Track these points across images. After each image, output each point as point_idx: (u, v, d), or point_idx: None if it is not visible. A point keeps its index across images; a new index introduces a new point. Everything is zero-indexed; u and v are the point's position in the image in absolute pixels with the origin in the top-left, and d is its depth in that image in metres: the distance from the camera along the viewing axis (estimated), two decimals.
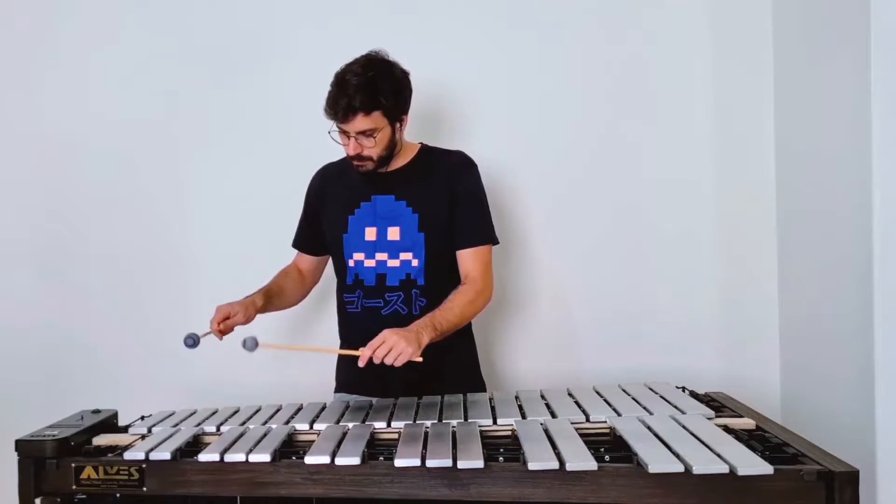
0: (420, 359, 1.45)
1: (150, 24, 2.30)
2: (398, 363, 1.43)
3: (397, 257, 1.72)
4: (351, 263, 1.75)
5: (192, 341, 1.56)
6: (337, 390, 1.83)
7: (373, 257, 1.73)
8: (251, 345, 1.52)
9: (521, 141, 2.21)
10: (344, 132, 1.64)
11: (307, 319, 2.21)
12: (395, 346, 1.42)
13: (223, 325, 1.63)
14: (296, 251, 1.92)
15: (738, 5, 2.15)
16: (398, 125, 1.69)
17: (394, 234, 1.72)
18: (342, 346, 1.81)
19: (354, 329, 1.76)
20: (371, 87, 1.59)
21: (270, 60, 2.28)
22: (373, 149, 1.65)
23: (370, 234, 1.73)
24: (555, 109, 2.18)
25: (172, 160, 2.31)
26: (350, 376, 1.80)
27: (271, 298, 1.77)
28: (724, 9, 2.15)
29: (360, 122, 1.60)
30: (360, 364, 1.43)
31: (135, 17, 2.31)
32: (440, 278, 1.72)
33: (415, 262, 1.71)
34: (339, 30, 2.16)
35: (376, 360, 1.43)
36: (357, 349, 1.45)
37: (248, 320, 1.68)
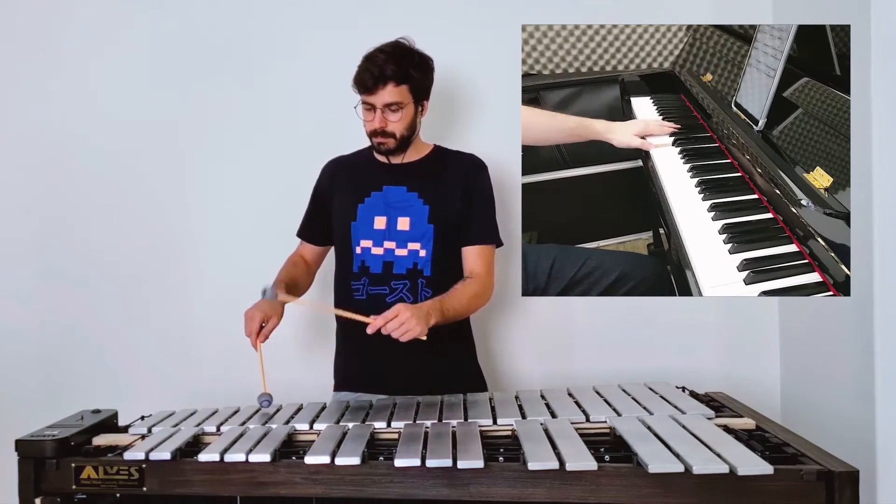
0: (424, 337, 1.50)
1: (150, 24, 2.30)
2: (404, 339, 1.48)
3: (405, 247, 1.74)
4: (358, 251, 1.76)
5: (268, 402, 1.56)
6: (336, 388, 1.83)
7: (381, 245, 1.74)
8: (271, 294, 1.58)
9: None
10: (370, 107, 1.67)
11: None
12: (405, 323, 1.47)
13: (262, 337, 1.62)
14: (300, 241, 1.90)
15: (739, 9, 2.15)
16: (420, 109, 1.73)
17: (403, 223, 1.74)
18: (340, 337, 1.83)
19: None
20: (401, 60, 1.65)
21: (274, 60, 2.28)
22: (396, 124, 1.68)
23: (379, 222, 1.75)
24: None
25: (175, 159, 2.31)
26: (349, 374, 1.81)
27: (290, 291, 1.75)
28: (725, 11, 2.16)
29: (389, 93, 1.65)
30: (369, 331, 1.48)
31: (135, 17, 2.31)
32: (446, 270, 1.74)
33: (422, 253, 1.73)
34: (342, 30, 2.16)
35: (384, 332, 1.48)
36: (367, 315, 1.50)
37: (280, 319, 1.66)
